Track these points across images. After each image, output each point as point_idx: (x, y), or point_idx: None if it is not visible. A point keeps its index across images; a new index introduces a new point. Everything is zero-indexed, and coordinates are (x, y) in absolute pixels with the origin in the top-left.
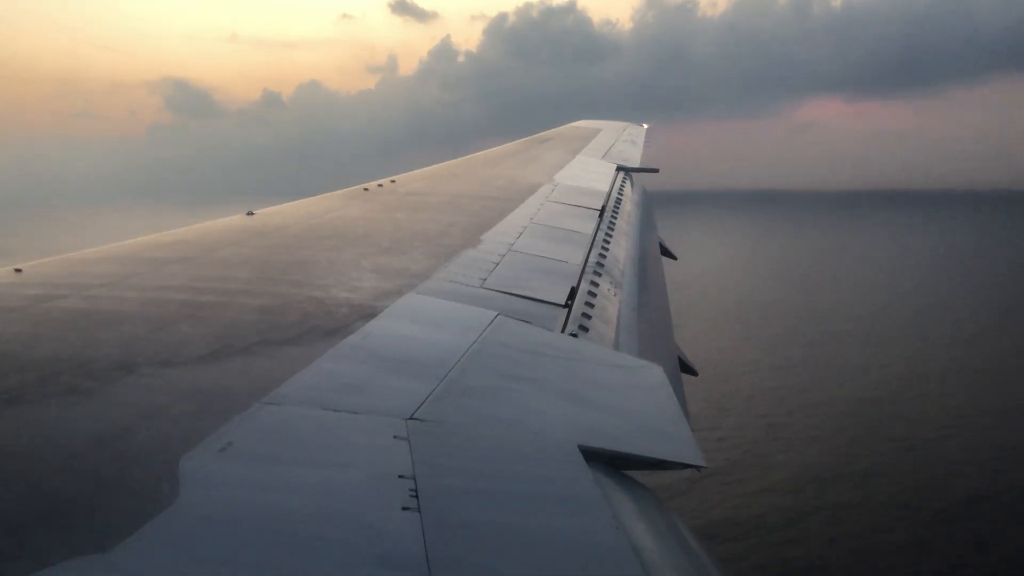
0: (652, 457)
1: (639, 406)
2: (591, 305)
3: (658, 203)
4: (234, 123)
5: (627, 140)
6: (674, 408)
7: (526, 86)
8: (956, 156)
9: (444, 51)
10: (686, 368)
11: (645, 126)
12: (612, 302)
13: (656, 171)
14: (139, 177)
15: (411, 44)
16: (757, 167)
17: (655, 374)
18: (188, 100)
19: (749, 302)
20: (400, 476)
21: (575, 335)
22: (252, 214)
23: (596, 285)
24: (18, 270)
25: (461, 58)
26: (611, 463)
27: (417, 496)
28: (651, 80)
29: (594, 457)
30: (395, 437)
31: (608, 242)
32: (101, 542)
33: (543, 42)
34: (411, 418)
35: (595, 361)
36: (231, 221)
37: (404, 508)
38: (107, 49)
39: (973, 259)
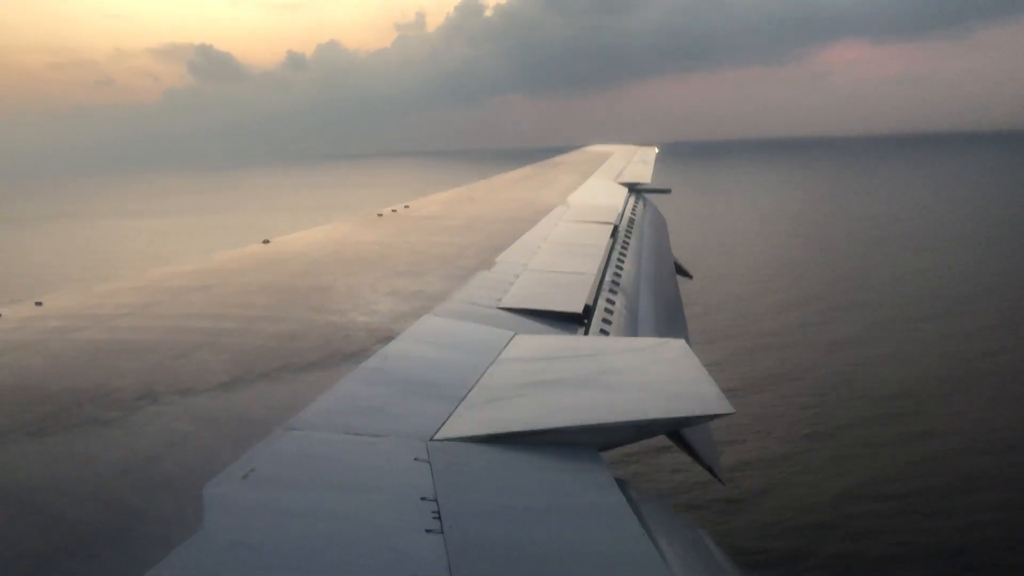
0: (677, 416)
1: (661, 377)
2: (607, 322)
3: (686, 155)
4: (256, 87)
5: (638, 162)
6: (696, 368)
7: (552, 40)
8: (980, 97)
9: (470, 5)
10: None
11: (655, 149)
12: (628, 319)
13: (668, 191)
14: (158, 144)
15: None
16: (784, 114)
17: (677, 346)
18: (211, 65)
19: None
20: (423, 498)
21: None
22: (268, 242)
23: (611, 303)
24: (39, 303)
25: (488, 12)
26: (639, 433)
27: (440, 518)
28: (681, 28)
29: (619, 431)
30: (416, 459)
31: (622, 261)
32: (128, 571)
33: None
34: (432, 439)
35: (614, 350)
36: (248, 250)
37: (427, 531)
38: (114, 17)
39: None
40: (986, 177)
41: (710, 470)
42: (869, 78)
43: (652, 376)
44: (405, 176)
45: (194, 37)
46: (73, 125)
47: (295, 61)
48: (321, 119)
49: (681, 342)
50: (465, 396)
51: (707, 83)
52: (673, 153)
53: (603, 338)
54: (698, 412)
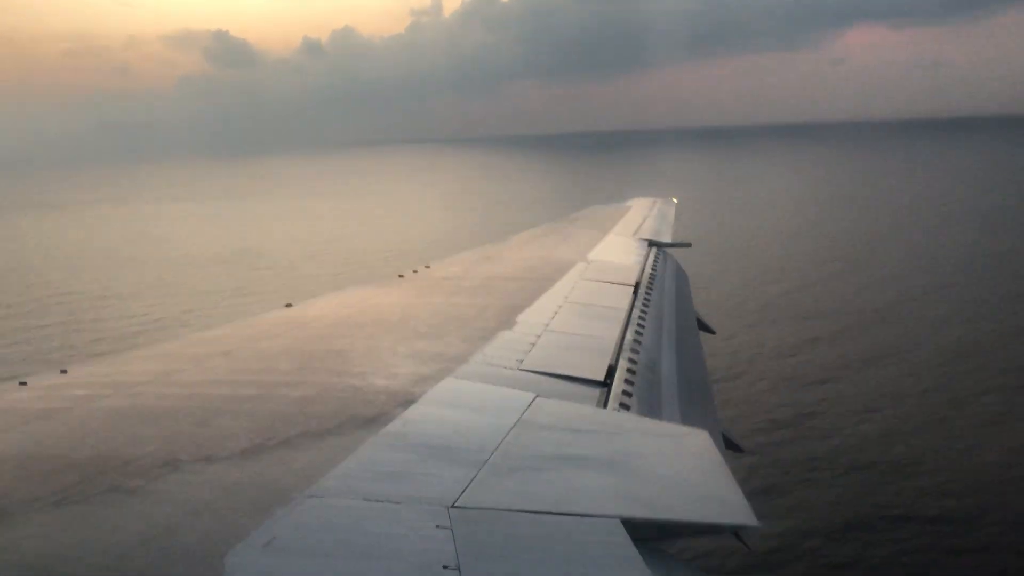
0: (702, 522)
1: (685, 472)
2: (630, 383)
3: (704, 140)
4: (272, 73)
5: (657, 216)
6: (722, 471)
7: (569, 26)
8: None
9: None
10: (731, 445)
11: (675, 200)
12: (651, 379)
13: (688, 245)
14: (174, 131)
15: None
16: (802, 99)
17: (701, 439)
18: (227, 51)
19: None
20: (444, 567)
21: (616, 410)
22: (290, 306)
23: (634, 363)
24: (63, 371)
25: None
26: (661, 532)
27: None
28: (697, 14)
29: (643, 527)
30: (438, 526)
31: (643, 318)
32: None
33: None
34: (453, 506)
35: (637, 431)
36: (269, 315)
37: None
38: (127, 4)
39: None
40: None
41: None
42: (886, 62)
43: (675, 469)
44: (422, 162)
45: (209, 23)
46: (90, 112)
47: (311, 47)
48: (336, 106)
49: (705, 435)
50: (487, 460)
51: (723, 69)
52: (697, 137)
53: (626, 415)
54: (725, 521)
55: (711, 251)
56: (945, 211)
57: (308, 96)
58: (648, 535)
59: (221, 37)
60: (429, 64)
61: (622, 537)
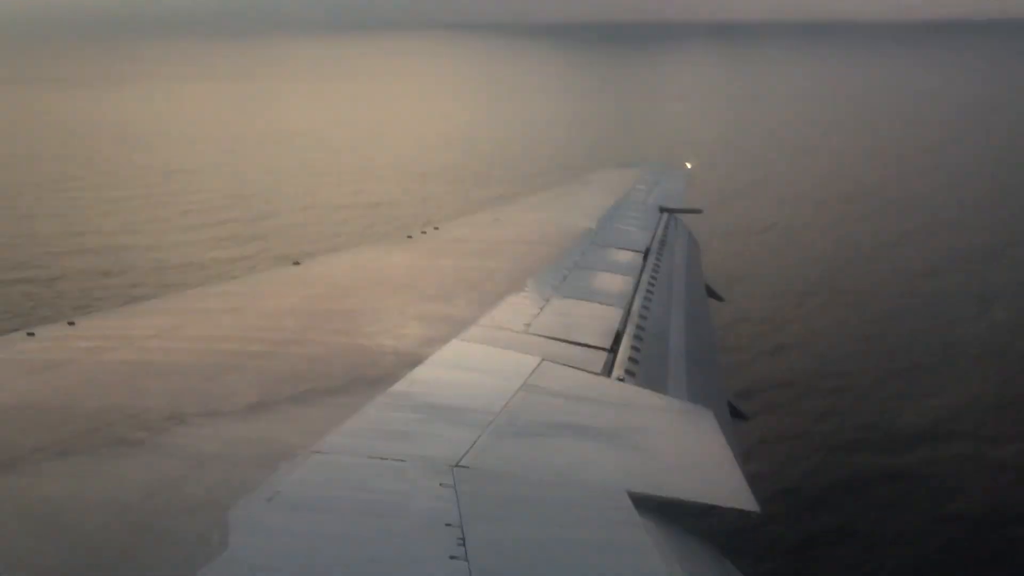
0: (703, 502)
1: (689, 451)
2: (637, 349)
3: (707, 35)
4: None
5: (670, 180)
6: (725, 452)
7: None
8: None
9: None
10: (737, 413)
11: (688, 165)
12: (658, 346)
13: (699, 211)
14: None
15: None
16: None
17: (705, 418)
18: None
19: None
20: (447, 524)
21: (621, 379)
22: (298, 264)
23: (642, 329)
24: (71, 323)
25: None
26: (661, 509)
27: (464, 545)
28: None
29: (644, 503)
30: (442, 485)
31: (653, 284)
32: None
33: None
34: (457, 465)
35: (642, 405)
36: (277, 273)
37: (451, 557)
38: None
39: None
40: None
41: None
42: None
43: (679, 447)
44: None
45: None
46: None
47: None
48: None
49: (710, 414)
50: (491, 423)
51: None
52: (713, 33)
53: (633, 388)
54: (727, 504)
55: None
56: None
57: None
58: (647, 508)
59: None
60: None
61: (626, 504)
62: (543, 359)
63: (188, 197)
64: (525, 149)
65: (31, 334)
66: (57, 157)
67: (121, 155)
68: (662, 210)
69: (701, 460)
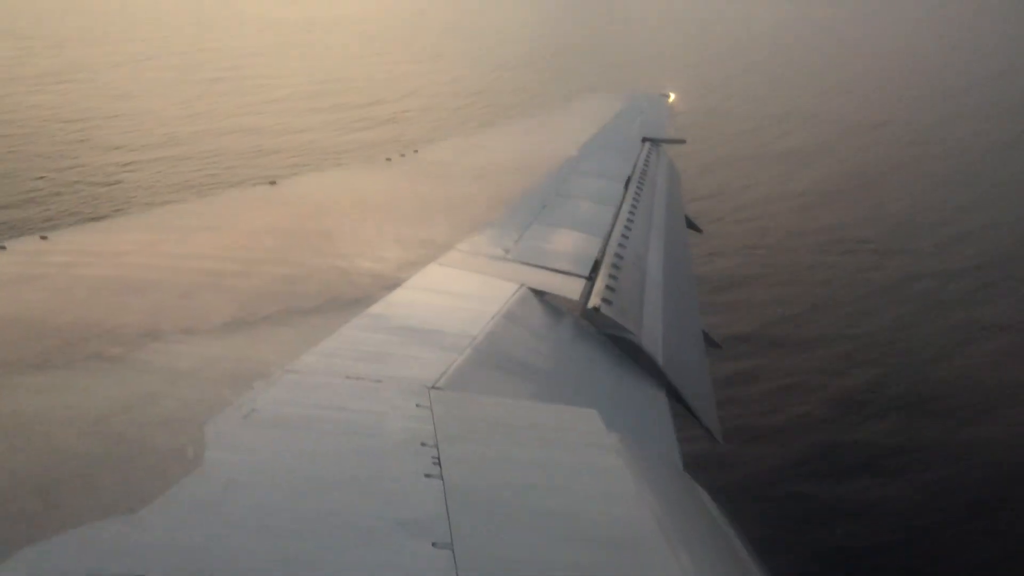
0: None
1: (638, 418)
2: (615, 278)
3: None
4: None
5: (653, 110)
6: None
7: None
8: None
9: None
10: (710, 342)
11: (672, 96)
12: (636, 274)
13: (683, 142)
14: None
15: None
16: None
17: (658, 398)
18: None
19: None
20: (423, 444)
21: (597, 308)
22: (274, 183)
23: (620, 257)
24: (44, 237)
25: None
26: None
27: (439, 463)
28: None
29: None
30: (418, 405)
31: (633, 213)
32: (128, 504)
33: None
34: (434, 387)
35: (604, 364)
36: (254, 191)
37: (427, 475)
38: None
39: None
40: None
41: (706, 428)
42: None
43: (629, 423)
44: None
45: None
46: None
47: None
48: None
49: (662, 395)
50: (468, 346)
51: None
52: None
53: (603, 345)
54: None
55: None
56: None
57: None
58: None
59: None
60: None
61: (599, 427)
62: (522, 285)
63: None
64: None
65: (2, 247)
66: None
67: None
68: (644, 140)
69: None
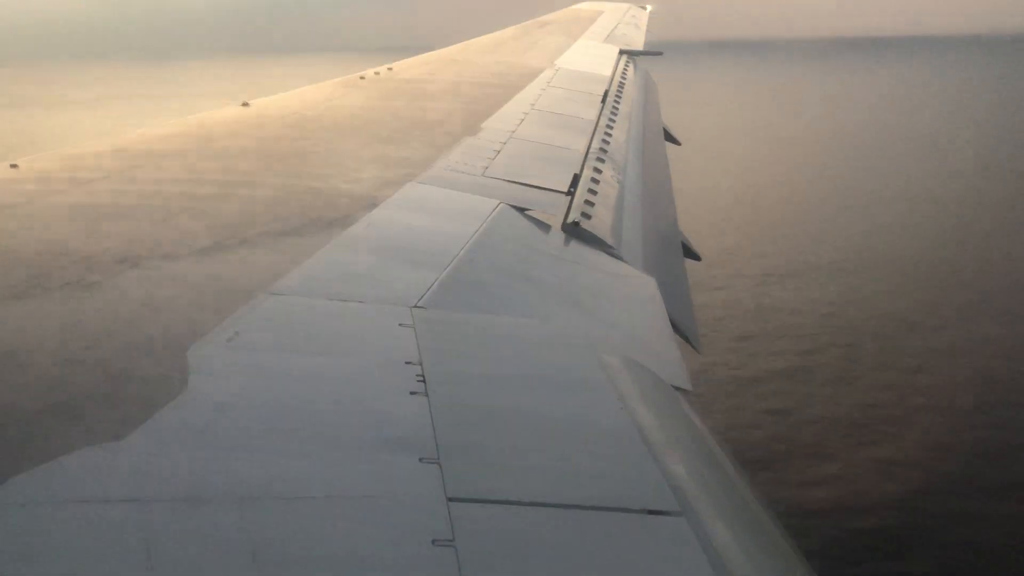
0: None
1: (633, 320)
2: (594, 192)
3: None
4: None
5: (630, 23)
6: (664, 326)
7: None
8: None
9: None
10: (689, 253)
11: (648, 8)
12: (615, 188)
13: (660, 54)
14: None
15: None
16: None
17: (649, 286)
18: None
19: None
20: (407, 362)
21: (577, 223)
22: (247, 105)
23: (599, 171)
24: (14, 166)
25: None
26: None
27: (424, 381)
28: None
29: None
30: (401, 325)
31: (611, 127)
32: (114, 430)
33: None
34: (416, 306)
35: (594, 265)
36: (226, 113)
37: (412, 392)
38: None
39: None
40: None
41: (685, 337)
42: None
43: (624, 315)
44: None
45: None
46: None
47: None
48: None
49: (652, 283)
50: (449, 265)
51: None
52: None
53: (585, 248)
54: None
55: None
56: None
57: None
58: None
59: None
60: None
61: (581, 340)
62: (501, 202)
63: None
64: None
65: None
66: None
67: None
68: (621, 52)
69: (642, 332)
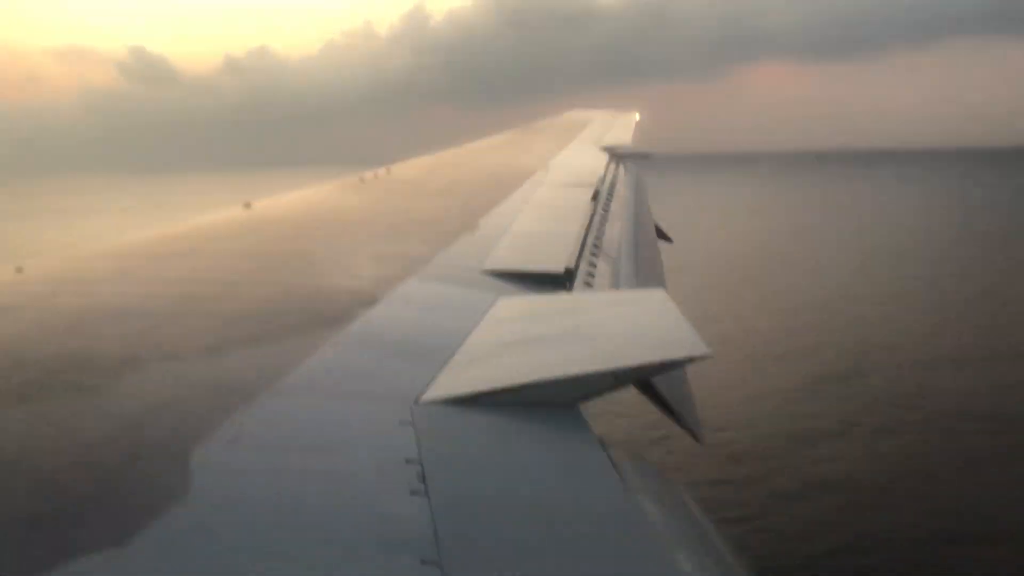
0: (655, 363)
1: (639, 326)
2: (589, 285)
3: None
4: (189, 91)
5: (618, 128)
6: (674, 314)
7: (494, 52)
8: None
9: (416, 15)
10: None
11: (636, 115)
12: (610, 282)
13: (647, 156)
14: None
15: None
16: (717, 130)
17: (657, 296)
18: (143, 66)
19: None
20: (407, 461)
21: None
22: (249, 206)
23: (593, 266)
24: (19, 270)
25: (435, 21)
26: (618, 381)
27: (424, 480)
28: (626, 46)
29: (596, 382)
30: (401, 422)
31: (603, 224)
32: (116, 536)
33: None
34: (416, 402)
35: (596, 304)
36: (229, 215)
37: (412, 492)
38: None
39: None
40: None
41: (689, 429)
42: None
43: (630, 325)
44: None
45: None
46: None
47: (231, 65)
48: (256, 124)
49: (661, 291)
50: (449, 359)
51: (640, 96)
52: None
53: (584, 294)
54: (674, 356)
55: None
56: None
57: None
58: (604, 387)
59: (137, 52)
60: (354, 84)
61: (579, 422)
62: (499, 296)
63: None
64: None
65: None
66: None
67: None
68: (611, 154)
69: (652, 329)
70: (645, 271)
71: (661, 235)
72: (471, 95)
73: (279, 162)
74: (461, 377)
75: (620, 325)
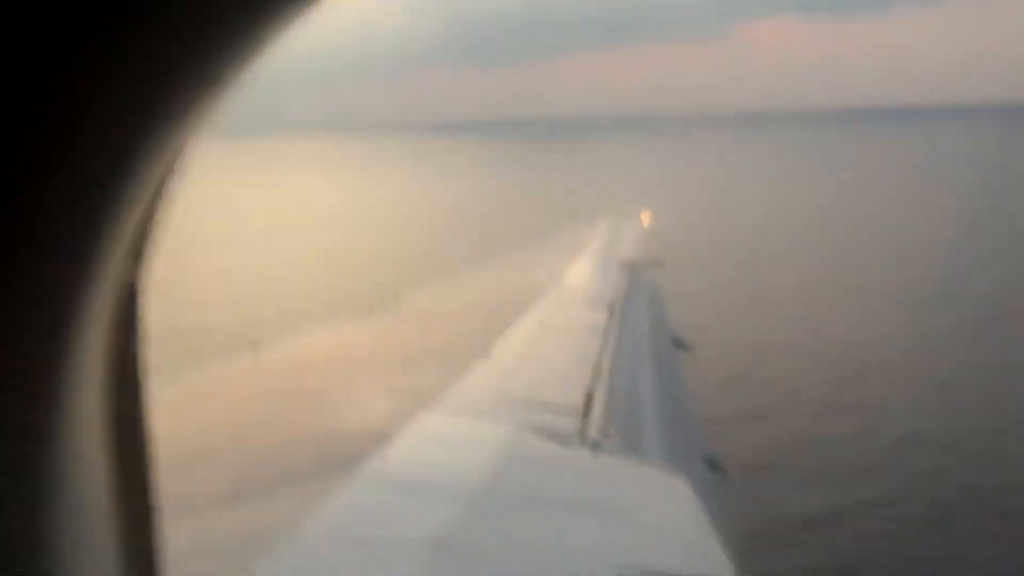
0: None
1: (669, 523)
2: (609, 409)
3: (617, 127)
4: None
5: (629, 236)
6: (703, 522)
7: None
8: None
9: None
10: (715, 465)
11: (645, 221)
12: (630, 403)
13: (662, 265)
14: None
15: None
16: (719, 89)
17: (680, 486)
18: None
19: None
20: None
21: (598, 442)
22: (256, 347)
23: (612, 387)
24: None
25: None
26: None
27: None
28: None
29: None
30: (421, 564)
31: (620, 341)
32: None
33: None
34: (437, 545)
35: (618, 475)
36: (239, 361)
37: None
38: None
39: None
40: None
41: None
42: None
43: (658, 518)
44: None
45: None
46: None
47: None
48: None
49: (683, 481)
50: (470, 499)
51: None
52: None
53: (607, 458)
54: (710, 573)
55: None
56: None
57: None
58: None
59: None
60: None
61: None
62: (516, 429)
63: None
64: None
65: None
66: None
67: None
68: (623, 265)
69: (679, 530)
70: (665, 386)
71: (679, 344)
72: (467, 57)
73: (266, 127)
74: (485, 525)
75: (647, 515)
